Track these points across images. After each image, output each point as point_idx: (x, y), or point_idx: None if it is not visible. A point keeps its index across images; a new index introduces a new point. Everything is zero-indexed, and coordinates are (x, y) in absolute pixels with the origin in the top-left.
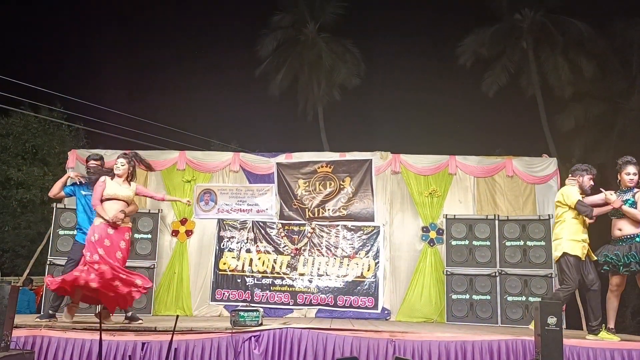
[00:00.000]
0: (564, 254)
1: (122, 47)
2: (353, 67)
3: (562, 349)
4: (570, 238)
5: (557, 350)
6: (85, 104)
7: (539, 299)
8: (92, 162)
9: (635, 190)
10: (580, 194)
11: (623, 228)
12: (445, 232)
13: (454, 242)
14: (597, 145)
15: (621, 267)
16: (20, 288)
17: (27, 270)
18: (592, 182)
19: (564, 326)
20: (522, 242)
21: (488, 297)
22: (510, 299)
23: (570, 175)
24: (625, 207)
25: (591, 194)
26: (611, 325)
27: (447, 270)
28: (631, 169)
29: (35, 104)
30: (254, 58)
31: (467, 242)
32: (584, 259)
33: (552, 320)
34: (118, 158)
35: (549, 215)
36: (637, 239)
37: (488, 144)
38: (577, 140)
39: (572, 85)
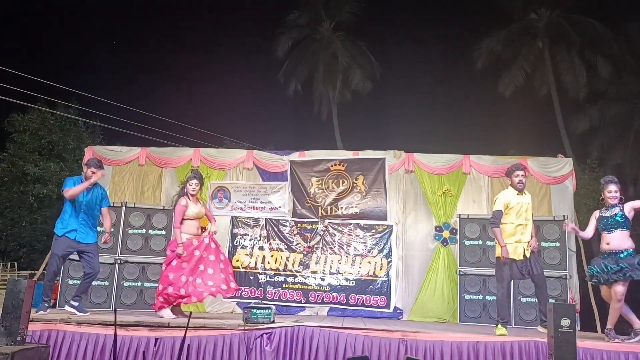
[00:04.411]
0: (497, 257)
1: (138, 45)
2: (367, 69)
3: (576, 351)
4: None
5: (571, 352)
6: (102, 101)
7: (553, 301)
8: (94, 169)
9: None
10: (519, 193)
11: (611, 242)
12: (458, 231)
13: (467, 242)
14: (614, 145)
15: (612, 276)
16: (36, 283)
17: (43, 265)
18: (518, 178)
19: (577, 328)
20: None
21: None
22: (524, 300)
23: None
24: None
25: (522, 190)
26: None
27: (460, 271)
28: (612, 187)
29: (52, 101)
30: (269, 56)
31: (480, 242)
32: (520, 258)
33: (565, 322)
34: (192, 179)
35: (564, 216)
36: (622, 255)
37: (503, 144)
38: (593, 140)
39: (588, 86)
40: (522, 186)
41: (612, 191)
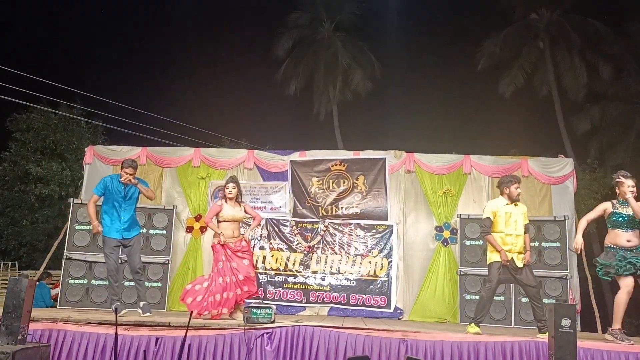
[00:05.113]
0: (489, 263)
1: (139, 45)
2: (368, 69)
3: (576, 351)
4: (491, 249)
5: (571, 352)
6: (104, 101)
7: (554, 301)
8: (130, 169)
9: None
10: (509, 203)
11: (632, 239)
12: (459, 232)
13: (467, 242)
14: (615, 146)
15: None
16: (38, 282)
17: (44, 265)
18: (519, 190)
19: (578, 328)
20: (537, 244)
21: (502, 298)
22: (524, 300)
23: (499, 188)
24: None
25: (519, 200)
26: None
27: (460, 271)
28: (631, 182)
29: (55, 101)
30: (270, 56)
31: (481, 242)
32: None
33: (565, 322)
34: (228, 183)
35: (564, 216)
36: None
37: (503, 144)
38: (594, 140)
39: (588, 86)
40: (519, 198)
41: (630, 185)
